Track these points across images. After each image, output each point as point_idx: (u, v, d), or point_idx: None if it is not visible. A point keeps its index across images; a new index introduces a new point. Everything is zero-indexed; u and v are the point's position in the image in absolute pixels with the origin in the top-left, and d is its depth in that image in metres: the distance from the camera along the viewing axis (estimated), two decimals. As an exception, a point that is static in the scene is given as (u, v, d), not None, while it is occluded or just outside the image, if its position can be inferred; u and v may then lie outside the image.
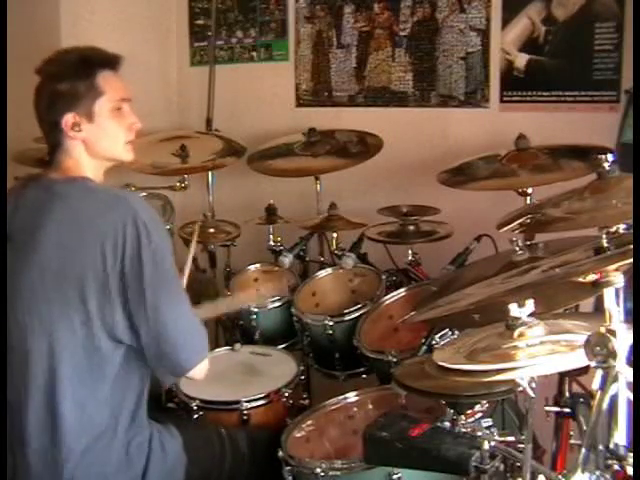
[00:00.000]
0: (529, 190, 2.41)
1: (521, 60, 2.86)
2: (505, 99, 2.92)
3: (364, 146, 3.03)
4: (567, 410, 1.94)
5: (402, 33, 3.13)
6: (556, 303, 1.66)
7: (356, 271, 2.71)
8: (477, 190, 2.58)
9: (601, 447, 1.40)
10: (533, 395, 1.46)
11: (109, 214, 1.72)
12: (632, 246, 1.42)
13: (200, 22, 3.73)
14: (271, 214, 3.00)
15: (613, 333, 1.33)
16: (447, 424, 1.74)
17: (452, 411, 1.78)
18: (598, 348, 1.33)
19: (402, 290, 2.52)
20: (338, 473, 1.86)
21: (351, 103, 3.31)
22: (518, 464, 1.61)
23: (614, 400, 1.37)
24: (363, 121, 3.17)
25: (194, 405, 2.23)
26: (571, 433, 1.96)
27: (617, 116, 2.57)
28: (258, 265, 2.99)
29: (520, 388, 1.45)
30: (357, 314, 2.48)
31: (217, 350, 2.61)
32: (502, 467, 1.65)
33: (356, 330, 2.42)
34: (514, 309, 1.48)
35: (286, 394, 2.28)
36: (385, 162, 3.01)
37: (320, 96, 3.39)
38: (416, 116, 3.13)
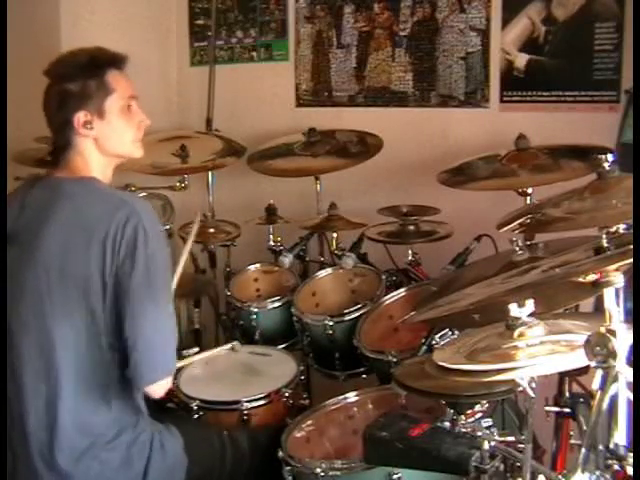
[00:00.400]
0: (529, 190, 2.41)
1: (521, 60, 2.86)
2: (505, 99, 2.92)
3: (364, 146, 3.03)
4: (567, 410, 1.94)
5: (402, 33, 3.13)
6: (556, 303, 1.66)
7: (356, 271, 2.71)
8: (477, 190, 2.58)
9: (601, 447, 1.40)
10: (533, 395, 1.46)
11: (113, 215, 1.73)
12: (632, 246, 1.42)
13: (200, 22, 3.73)
14: (271, 214, 3.00)
15: (613, 333, 1.33)
16: (447, 424, 1.74)
17: (452, 411, 1.78)
18: (598, 348, 1.33)
19: (402, 290, 2.53)
20: (338, 473, 1.86)
21: (351, 103, 3.31)
22: (518, 464, 1.61)
23: (614, 400, 1.37)
24: (363, 121, 3.17)
25: (194, 405, 2.23)
26: (571, 433, 1.96)
27: (617, 116, 2.57)
28: (258, 265, 3.00)
29: (520, 388, 1.45)
30: (357, 314, 2.48)
31: (217, 350, 2.61)
32: (502, 467, 1.65)
33: (356, 330, 2.42)
34: (514, 309, 1.48)
35: (286, 394, 2.28)
36: (385, 162, 3.01)
37: (320, 96, 3.39)
38: (416, 116, 3.13)
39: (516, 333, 1.49)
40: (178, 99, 3.83)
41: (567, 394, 1.99)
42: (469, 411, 1.78)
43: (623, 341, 1.34)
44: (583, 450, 1.40)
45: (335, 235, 2.88)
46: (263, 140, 3.23)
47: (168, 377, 1.80)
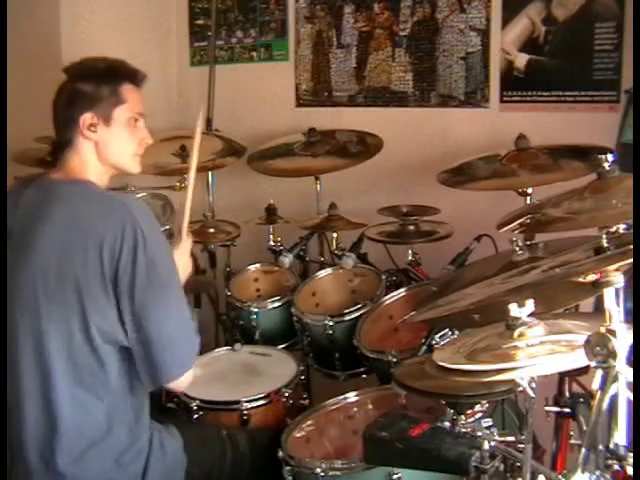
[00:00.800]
0: (529, 190, 2.41)
1: (521, 60, 2.86)
2: (505, 99, 2.92)
3: (364, 146, 3.03)
4: (567, 410, 1.94)
5: (402, 33, 3.13)
6: (556, 303, 1.66)
7: (356, 271, 2.71)
8: (477, 190, 2.58)
9: (601, 447, 1.40)
10: (533, 395, 1.46)
11: (108, 218, 1.72)
12: (632, 246, 1.42)
13: (200, 22, 3.73)
14: (271, 214, 3.00)
15: (613, 333, 1.33)
16: (447, 424, 1.74)
17: (452, 411, 1.78)
18: (598, 348, 1.33)
19: (402, 290, 2.53)
20: (338, 473, 1.86)
21: (351, 103, 3.31)
22: (518, 464, 1.61)
23: (614, 400, 1.37)
24: (363, 121, 3.17)
25: (194, 405, 2.23)
26: (571, 433, 1.96)
27: (617, 116, 2.57)
28: (258, 265, 3.00)
29: (520, 388, 1.45)
30: (357, 314, 2.48)
31: (217, 350, 2.61)
32: (502, 467, 1.65)
33: (356, 330, 2.42)
34: (514, 309, 1.48)
35: (286, 394, 2.28)
36: (385, 162, 3.01)
37: (320, 96, 3.39)
38: (416, 116, 3.13)
39: (516, 333, 1.48)
40: (178, 99, 3.83)
41: (567, 394, 1.98)
42: (469, 411, 1.78)
43: (623, 341, 1.34)
44: (583, 450, 1.40)
45: (335, 235, 2.88)
46: (263, 140, 3.23)
47: (188, 372, 1.80)
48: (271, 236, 2.99)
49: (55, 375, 1.73)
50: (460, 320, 1.86)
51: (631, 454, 1.38)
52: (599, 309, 1.44)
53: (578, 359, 1.39)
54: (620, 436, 1.39)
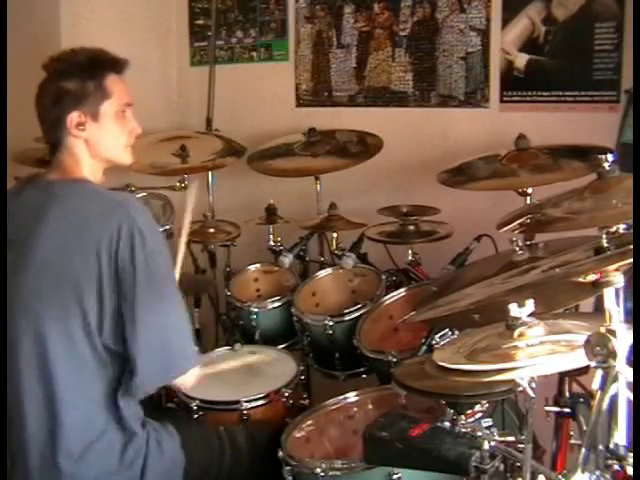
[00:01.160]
0: (529, 190, 2.41)
1: (521, 60, 2.86)
2: (505, 99, 2.92)
3: (364, 146, 3.03)
4: (567, 410, 1.94)
5: (402, 33, 3.13)
6: (556, 303, 1.66)
7: (356, 271, 2.71)
8: (477, 190, 2.58)
9: (601, 447, 1.40)
10: (533, 395, 1.46)
11: (106, 217, 1.72)
12: (632, 246, 1.42)
13: (200, 22, 3.73)
14: (271, 214, 3.00)
15: (613, 333, 1.33)
16: (447, 424, 1.74)
17: (452, 411, 1.78)
18: (598, 348, 1.33)
19: (402, 290, 2.53)
20: (338, 473, 1.86)
21: (351, 103, 3.31)
22: (518, 464, 1.61)
23: (614, 400, 1.37)
24: (363, 121, 3.17)
25: (194, 405, 2.23)
26: (571, 433, 1.96)
27: (617, 116, 2.57)
28: (258, 265, 3.00)
29: (520, 388, 1.45)
30: (357, 314, 2.48)
31: (217, 350, 2.61)
32: (502, 467, 1.65)
33: (356, 330, 2.42)
34: (514, 309, 1.48)
35: (286, 394, 2.28)
36: (385, 162, 3.01)
37: (320, 96, 3.39)
38: (416, 116, 3.13)
39: (516, 333, 1.49)
40: (178, 99, 3.83)
41: (567, 394, 1.98)
42: (469, 411, 1.79)
43: (623, 341, 1.34)
44: (583, 450, 1.40)
45: (335, 235, 2.88)
46: (263, 140, 3.22)
47: (190, 371, 1.81)
48: (271, 236, 2.99)
49: (56, 375, 1.73)
50: (460, 320, 1.86)
51: (631, 454, 1.38)
52: (599, 309, 1.44)
53: (578, 359, 1.39)
54: (620, 436, 1.39)
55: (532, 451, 1.54)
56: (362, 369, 2.49)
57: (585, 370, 1.56)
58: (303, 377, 2.45)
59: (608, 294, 1.41)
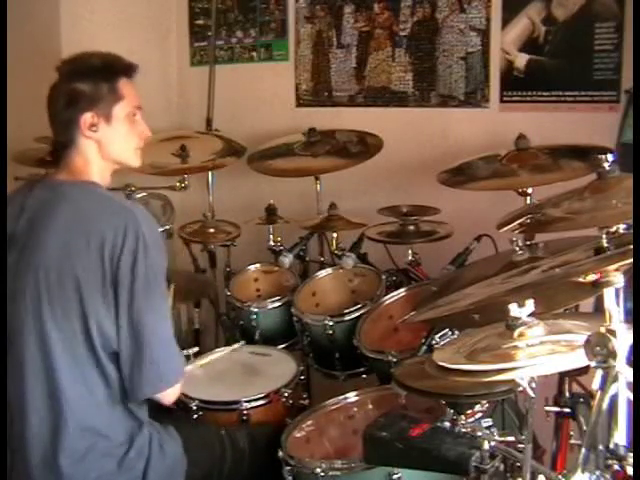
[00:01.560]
0: (529, 190, 2.41)
1: (521, 60, 2.86)
2: (505, 99, 2.92)
3: (364, 146, 3.03)
4: (567, 410, 1.94)
5: (402, 33, 3.13)
6: (556, 303, 1.66)
7: (356, 271, 2.71)
8: (477, 190, 2.58)
9: (601, 447, 1.40)
10: (533, 395, 1.46)
11: (113, 221, 1.73)
12: (632, 246, 1.42)
13: (200, 22, 3.73)
14: (271, 214, 3.00)
15: (613, 333, 1.33)
16: (447, 424, 1.74)
17: (452, 411, 1.78)
18: (598, 348, 1.33)
19: (402, 290, 2.53)
20: (338, 473, 1.86)
21: (351, 103, 3.31)
22: (518, 464, 1.61)
23: (614, 400, 1.37)
24: (363, 121, 3.17)
25: (194, 405, 2.23)
26: (571, 433, 1.96)
27: (617, 116, 2.57)
28: (258, 265, 3.00)
29: (520, 388, 1.45)
30: (357, 314, 2.48)
31: (217, 350, 2.61)
32: (502, 467, 1.65)
33: (356, 330, 2.42)
34: (514, 309, 1.48)
35: (286, 394, 2.28)
36: (385, 162, 3.01)
37: (320, 96, 3.39)
38: (416, 116, 3.13)
39: (516, 333, 1.48)
40: (178, 99, 3.83)
41: (567, 394, 1.99)
42: (469, 411, 1.78)
43: (623, 341, 1.34)
44: (583, 450, 1.40)
45: (335, 235, 2.88)
46: (263, 140, 3.22)
47: (175, 385, 1.81)
48: (271, 236, 2.99)
49: (59, 376, 1.73)
50: (460, 320, 1.86)
51: (631, 454, 1.38)
52: (599, 309, 1.44)
53: (578, 359, 1.39)
54: (620, 436, 1.39)
55: (532, 451, 1.54)
56: (362, 369, 2.49)
57: (585, 370, 1.56)
58: (303, 377, 2.44)
59: (608, 294, 1.41)
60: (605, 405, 1.36)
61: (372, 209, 2.83)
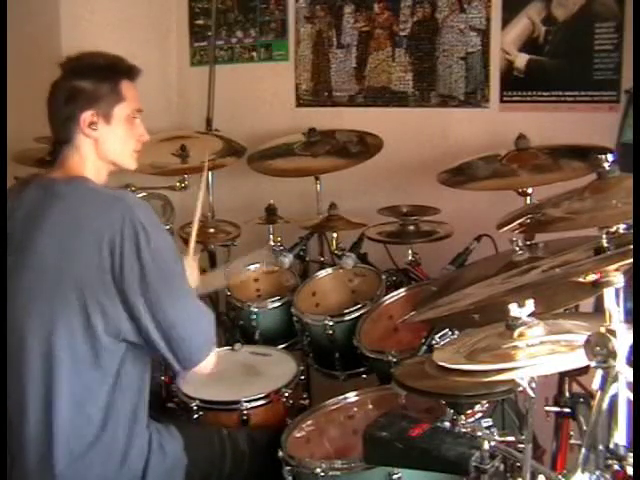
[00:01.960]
0: (529, 190, 2.41)
1: (521, 60, 2.86)
2: (505, 99, 2.92)
3: (364, 146, 3.03)
4: (567, 410, 1.94)
5: (402, 33, 3.13)
6: (556, 303, 1.66)
7: (356, 271, 2.71)
8: (477, 190, 2.58)
9: (601, 447, 1.40)
10: (533, 395, 1.46)
11: (106, 215, 1.72)
12: (632, 246, 1.42)
13: (200, 22, 3.73)
14: (271, 214, 3.00)
15: (613, 333, 1.33)
16: (447, 424, 1.74)
17: (452, 411, 1.78)
18: (598, 348, 1.33)
19: (402, 290, 2.52)
20: (338, 473, 1.86)
21: (351, 103, 3.31)
22: (518, 464, 1.61)
23: (614, 400, 1.37)
24: (363, 121, 3.17)
25: (194, 405, 2.23)
26: (571, 433, 1.96)
27: (617, 116, 2.57)
28: (258, 265, 3.00)
29: (520, 388, 1.45)
30: (357, 314, 2.48)
31: (217, 350, 2.60)
32: (502, 467, 1.65)
33: (356, 330, 2.42)
34: (514, 309, 1.48)
35: (286, 394, 2.28)
36: (385, 162, 3.01)
37: (320, 96, 3.39)
38: (416, 116, 3.13)
39: (516, 333, 1.48)
40: (178, 99, 3.83)
41: (567, 394, 1.99)
42: (469, 411, 1.78)
43: (623, 341, 1.34)
44: (583, 450, 1.40)
45: (335, 235, 2.88)
46: (263, 140, 3.22)
47: (209, 354, 1.84)
48: (271, 236, 2.99)
49: (59, 375, 1.73)
50: (460, 320, 1.86)
51: (631, 454, 1.38)
52: (599, 309, 1.44)
53: (578, 359, 1.39)
54: (620, 436, 1.39)
55: (532, 451, 1.54)
56: (362, 369, 2.49)
57: (585, 370, 1.56)
58: (303, 377, 2.44)
59: (608, 294, 1.40)
60: (605, 405, 1.36)
61: (372, 209, 2.83)
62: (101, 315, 1.71)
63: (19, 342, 1.75)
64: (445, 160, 2.73)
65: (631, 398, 1.36)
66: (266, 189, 3.28)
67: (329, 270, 2.80)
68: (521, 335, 1.48)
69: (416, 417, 1.80)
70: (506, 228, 1.97)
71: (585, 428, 1.79)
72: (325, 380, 2.63)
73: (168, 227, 2.91)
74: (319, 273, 2.81)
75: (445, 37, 3.03)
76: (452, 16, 3.00)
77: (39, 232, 1.75)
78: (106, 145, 1.85)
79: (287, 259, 2.72)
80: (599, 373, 1.36)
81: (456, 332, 2.07)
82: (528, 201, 2.40)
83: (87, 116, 1.81)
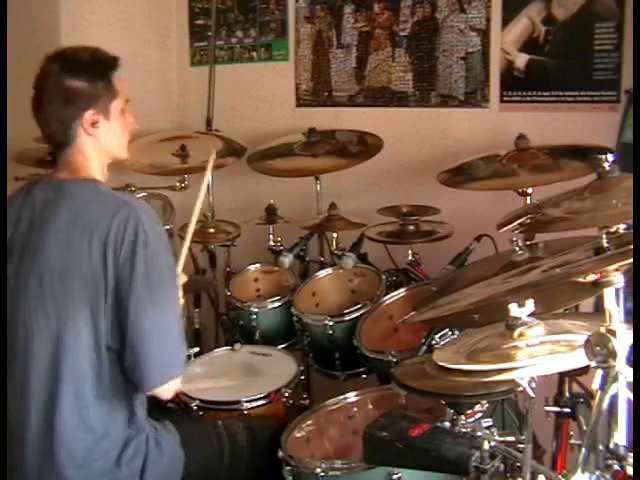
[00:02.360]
0: (529, 190, 2.41)
1: (521, 60, 2.86)
2: (505, 99, 2.92)
3: (364, 146, 3.03)
4: (567, 410, 1.94)
5: (402, 33, 3.13)
6: (556, 303, 1.66)
7: (356, 271, 2.71)
8: (477, 190, 2.58)
9: (601, 447, 1.41)
10: (533, 395, 1.46)
11: (113, 217, 1.73)
12: (632, 246, 1.42)
13: (200, 22, 3.73)
14: (271, 214, 3.00)
15: (613, 333, 1.33)
16: (447, 424, 1.74)
17: (452, 411, 1.78)
18: (598, 348, 1.33)
19: (402, 290, 2.53)
20: (338, 473, 1.86)
21: (351, 103, 3.31)
22: (518, 464, 1.61)
23: (614, 400, 1.37)
24: (363, 121, 3.17)
25: (194, 405, 2.23)
26: (571, 433, 1.96)
27: (617, 116, 2.57)
28: (258, 265, 3.00)
29: (520, 388, 1.45)
30: (357, 314, 2.48)
31: (217, 350, 2.61)
32: (502, 467, 1.65)
33: (356, 330, 2.42)
34: (514, 309, 1.48)
35: (286, 394, 2.28)
36: (385, 162, 3.01)
37: (320, 96, 3.39)
38: (416, 116, 3.13)
39: (516, 333, 1.48)
40: (178, 99, 3.83)
41: (567, 394, 1.99)
42: (469, 411, 1.79)
43: (623, 341, 1.34)
44: (583, 450, 1.40)
45: (335, 235, 2.88)
46: (263, 140, 3.22)
47: (175, 380, 1.78)
48: (271, 236, 2.99)
49: (62, 375, 1.73)
50: (460, 320, 1.87)
51: (631, 454, 1.38)
52: (599, 309, 1.44)
53: (578, 359, 1.39)
54: (620, 436, 1.39)
55: (532, 451, 1.54)
56: (362, 369, 2.49)
57: (585, 370, 1.56)
58: (303, 377, 2.45)
59: (608, 294, 1.41)
60: (605, 405, 1.36)
61: (372, 209, 2.83)
62: (103, 316, 1.72)
63: (24, 343, 1.74)
64: (445, 160, 2.74)
65: (631, 398, 1.36)
66: (266, 189, 3.28)
67: (329, 270, 2.80)
68: (521, 335, 1.48)
69: (416, 417, 1.80)
70: (506, 228, 1.98)
71: (585, 428, 1.79)
72: (325, 380, 2.63)
73: (168, 227, 2.91)
74: (319, 273, 2.81)
75: (445, 37, 3.03)
76: (452, 16, 3.00)
77: (47, 232, 1.75)
78: (106, 141, 1.86)
79: (287, 259, 2.72)
80: (599, 373, 1.36)
81: (456, 332, 2.07)
82: (528, 201, 2.41)
83: (89, 116, 1.81)
